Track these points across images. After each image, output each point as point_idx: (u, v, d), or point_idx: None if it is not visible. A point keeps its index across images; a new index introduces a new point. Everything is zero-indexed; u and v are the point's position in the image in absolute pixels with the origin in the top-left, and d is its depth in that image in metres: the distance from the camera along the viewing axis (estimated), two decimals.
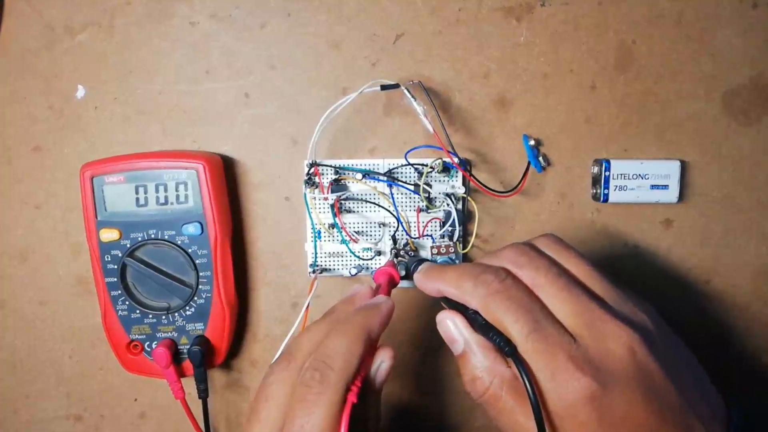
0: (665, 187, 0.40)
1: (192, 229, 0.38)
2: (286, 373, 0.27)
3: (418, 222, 0.40)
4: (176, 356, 0.39)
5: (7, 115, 0.41)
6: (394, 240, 0.40)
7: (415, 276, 0.34)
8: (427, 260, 0.36)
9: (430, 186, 0.40)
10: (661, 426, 0.25)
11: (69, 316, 0.42)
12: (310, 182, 0.39)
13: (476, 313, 0.29)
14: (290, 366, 0.27)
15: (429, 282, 0.32)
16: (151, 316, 0.39)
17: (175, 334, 0.39)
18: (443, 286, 0.31)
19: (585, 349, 0.26)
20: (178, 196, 0.38)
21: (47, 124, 0.41)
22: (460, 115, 0.41)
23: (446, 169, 0.39)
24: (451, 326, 0.30)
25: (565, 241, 0.32)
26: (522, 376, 0.26)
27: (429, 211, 0.40)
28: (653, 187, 0.40)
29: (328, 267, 0.41)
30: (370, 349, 0.28)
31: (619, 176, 0.40)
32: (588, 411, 0.25)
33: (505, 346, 0.27)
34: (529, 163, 0.40)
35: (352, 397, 0.26)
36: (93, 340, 0.42)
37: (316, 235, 0.40)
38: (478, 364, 0.29)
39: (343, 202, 0.40)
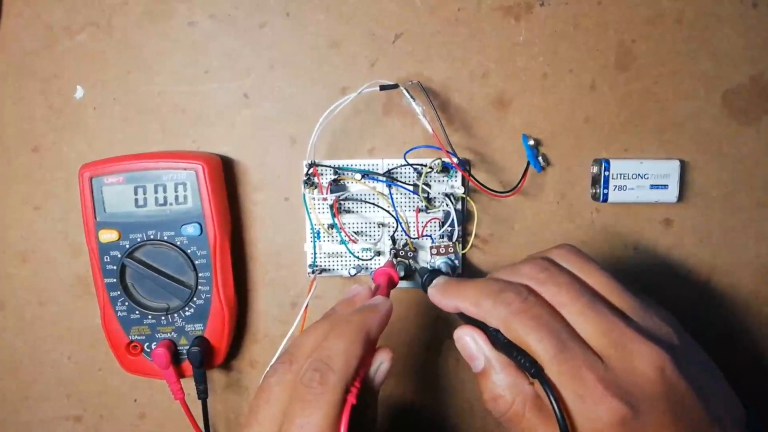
0: (665, 186, 0.40)
1: (191, 229, 0.38)
2: (288, 375, 0.27)
3: (417, 222, 0.40)
4: (175, 357, 0.39)
5: (6, 116, 0.41)
6: (393, 240, 0.40)
7: (430, 290, 0.33)
8: (440, 272, 0.36)
9: (429, 186, 0.39)
10: None
11: (68, 316, 0.42)
12: (309, 182, 0.39)
13: (497, 331, 0.28)
14: (292, 368, 0.27)
15: (446, 299, 0.31)
16: (150, 316, 0.39)
17: (175, 335, 0.39)
18: (461, 304, 0.30)
19: (613, 371, 0.26)
20: (177, 197, 0.38)
21: (46, 124, 0.41)
22: (459, 115, 0.40)
23: (445, 169, 0.39)
24: (471, 343, 0.30)
25: (583, 251, 0.31)
26: (550, 399, 0.25)
27: (428, 211, 0.40)
28: (653, 186, 0.40)
29: (327, 267, 0.41)
30: (369, 349, 0.28)
31: (619, 176, 0.40)
32: None
33: (531, 367, 0.26)
34: (528, 163, 0.40)
35: (352, 398, 0.26)
36: (92, 340, 0.42)
37: (315, 235, 0.40)
38: (499, 382, 0.28)
39: (342, 202, 0.39)
